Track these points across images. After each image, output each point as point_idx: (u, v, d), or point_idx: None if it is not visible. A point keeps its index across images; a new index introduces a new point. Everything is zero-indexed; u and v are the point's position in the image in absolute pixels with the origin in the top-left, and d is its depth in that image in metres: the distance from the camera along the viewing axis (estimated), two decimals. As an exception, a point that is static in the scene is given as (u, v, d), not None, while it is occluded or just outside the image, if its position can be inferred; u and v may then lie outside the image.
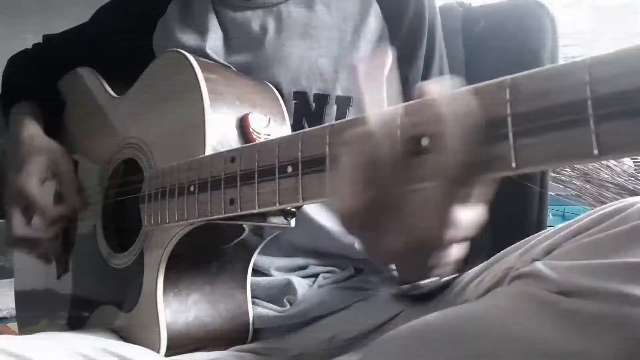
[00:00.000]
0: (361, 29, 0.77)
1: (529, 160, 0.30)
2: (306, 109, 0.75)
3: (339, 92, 0.75)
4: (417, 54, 0.79)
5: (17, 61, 0.98)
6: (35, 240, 0.80)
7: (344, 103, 0.75)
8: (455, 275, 0.58)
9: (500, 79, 0.31)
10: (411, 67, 0.79)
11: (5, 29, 1.82)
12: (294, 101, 0.75)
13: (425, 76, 0.80)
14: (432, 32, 0.81)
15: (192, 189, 0.56)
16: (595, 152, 0.27)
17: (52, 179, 0.81)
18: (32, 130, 0.84)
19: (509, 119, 0.30)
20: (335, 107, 0.75)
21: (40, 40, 0.98)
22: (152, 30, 0.82)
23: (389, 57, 0.40)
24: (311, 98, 0.75)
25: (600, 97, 0.27)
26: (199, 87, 0.62)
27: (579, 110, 0.28)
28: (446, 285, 0.60)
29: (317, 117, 0.75)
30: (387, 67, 0.39)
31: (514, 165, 0.30)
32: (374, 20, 0.78)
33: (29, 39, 0.95)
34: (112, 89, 0.84)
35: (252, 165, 0.49)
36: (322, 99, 0.75)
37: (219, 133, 0.60)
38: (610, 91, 0.27)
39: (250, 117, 0.62)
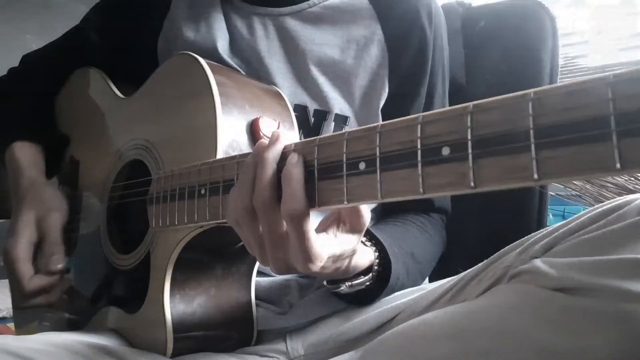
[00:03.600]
0: (362, 54, 0.77)
1: (551, 172, 0.30)
2: (305, 123, 0.76)
3: (337, 111, 0.76)
4: (419, 91, 0.80)
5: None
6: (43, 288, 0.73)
7: (341, 121, 0.76)
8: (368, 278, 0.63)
9: (523, 92, 0.32)
10: (412, 102, 0.80)
11: (5, 29, 1.78)
12: (294, 113, 0.75)
13: (427, 109, 0.80)
14: (436, 68, 0.81)
15: (203, 192, 0.56)
16: (618, 166, 0.28)
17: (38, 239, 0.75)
18: (31, 178, 0.79)
19: (532, 132, 0.31)
20: (333, 124, 0.76)
21: (38, 39, 0.96)
22: (158, 30, 0.81)
23: (281, 139, 0.48)
24: (311, 113, 0.76)
25: (623, 113, 0.28)
26: (211, 90, 0.62)
27: (602, 125, 0.28)
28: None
29: (315, 132, 0.75)
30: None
31: (536, 177, 0.31)
32: (377, 48, 0.78)
33: (29, 39, 0.94)
34: (118, 90, 0.83)
35: None
36: (322, 115, 0.76)
37: (230, 137, 0.61)
38: (633, 108, 0.27)
39: (260, 121, 0.63)
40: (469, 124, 0.34)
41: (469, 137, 0.34)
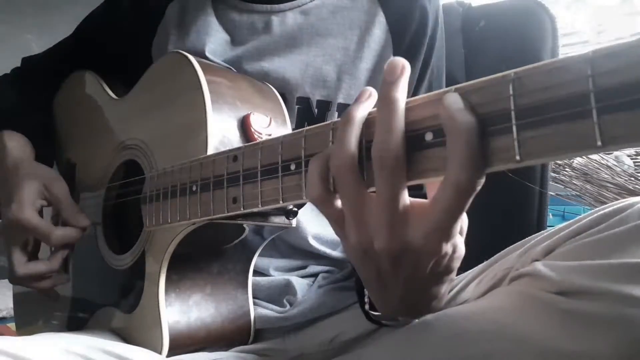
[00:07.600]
0: (366, 37, 0.77)
1: (533, 152, 0.30)
2: (309, 114, 0.75)
3: (340, 100, 0.76)
4: (414, 64, 0.79)
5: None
6: (41, 275, 0.73)
7: (344, 111, 0.76)
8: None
9: (504, 73, 0.31)
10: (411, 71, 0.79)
11: (5, 29, 1.80)
12: (297, 106, 0.75)
13: (417, 87, 0.80)
14: (432, 45, 0.80)
15: (194, 188, 0.56)
16: (599, 143, 0.27)
17: (47, 205, 0.74)
18: (18, 158, 0.77)
19: (512, 113, 0.30)
20: (336, 114, 0.76)
21: (38, 39, 0.97)
22: (152, 36, 0.81)
23: (407, 68, 0.37)
24: (314, 104, 0.76)
25: (602, 90, 0.27)
26: (201, 88, 0.62)
27: (581, 102, 0.28)
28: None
29: (319, 122, 0.75)
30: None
31: (517, 158, 0.30)
32: (379, 30, 0.78)
33: (29, 39, 0.94)
34: (112, 91, 0.84)
35: (255, 164, 0.49)
36: (325, 106, 0.76)
37: (221, 133, 0.60)
38: (612, 83, 0.27)
39: (251, 117, 0.63)
40: None
41: None
